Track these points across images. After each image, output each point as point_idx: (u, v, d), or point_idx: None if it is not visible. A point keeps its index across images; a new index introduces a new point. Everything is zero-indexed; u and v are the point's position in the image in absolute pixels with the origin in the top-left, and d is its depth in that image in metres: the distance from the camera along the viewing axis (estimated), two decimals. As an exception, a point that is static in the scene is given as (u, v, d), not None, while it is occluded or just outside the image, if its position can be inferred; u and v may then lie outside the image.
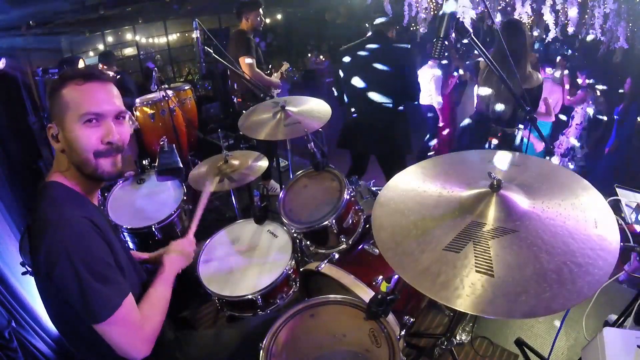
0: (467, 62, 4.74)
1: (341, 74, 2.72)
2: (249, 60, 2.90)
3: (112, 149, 1.02)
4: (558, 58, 4.65)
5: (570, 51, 5.64)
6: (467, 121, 3.32)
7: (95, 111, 0.99)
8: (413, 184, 1.09)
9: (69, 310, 0.94)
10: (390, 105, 2.58)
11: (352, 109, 2.73)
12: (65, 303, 0.92)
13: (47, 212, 0.94)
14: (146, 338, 1.00)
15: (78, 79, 0.99)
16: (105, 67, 3.94)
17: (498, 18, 4.35)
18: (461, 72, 4.69)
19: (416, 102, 3.31)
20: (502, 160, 1.12)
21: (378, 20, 2.60)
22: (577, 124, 4.26)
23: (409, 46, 2.58)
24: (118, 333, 0.94)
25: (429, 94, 4.42)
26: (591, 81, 4.31)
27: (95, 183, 1.09)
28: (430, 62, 4.36)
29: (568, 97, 4.34)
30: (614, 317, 1.71)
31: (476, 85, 2.80)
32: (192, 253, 1.33)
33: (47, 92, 1.02)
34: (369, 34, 2.63)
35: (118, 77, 3.79)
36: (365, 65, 2.58)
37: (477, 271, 0.80)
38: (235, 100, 3.17)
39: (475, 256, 0.83)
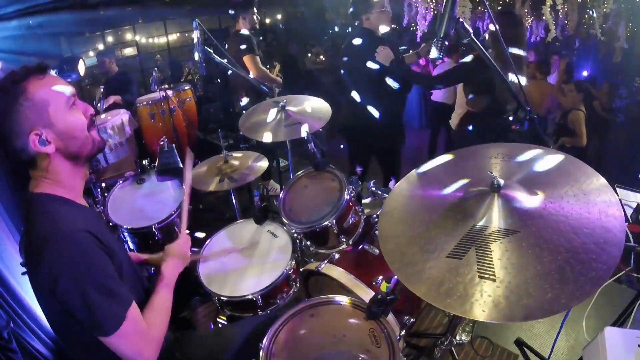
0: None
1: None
2: (254, 57, 2.91)
3: (94, 120, 1.07)
4: (554, 57, 4.64)
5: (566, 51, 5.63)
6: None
7: (71, 93, 1.00)
8: (416, 190, 1.08)
9: (72, 322, 0.92)
10: (373, 99, 2.55)
11: (348, 107, 2.72)
12: (68, 315, 0.91)
13: (44, 227, 0.92)
14: (152, 345, 0.99)
15: (36, 75, 0.96)
16: (109, 60, 3.97)
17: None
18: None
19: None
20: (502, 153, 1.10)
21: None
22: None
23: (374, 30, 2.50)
24: (126, 344, 0.94)
25: None
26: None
27: (81, 176, 1.06)
28: None
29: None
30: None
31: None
32: (189, 252, 1.30)
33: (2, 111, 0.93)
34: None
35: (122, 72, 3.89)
36: (349, 61, 2.59)
37: (480, 277, 0.80)
38: (240, 97, 3.16)
39: (477, 261, 0.83)
